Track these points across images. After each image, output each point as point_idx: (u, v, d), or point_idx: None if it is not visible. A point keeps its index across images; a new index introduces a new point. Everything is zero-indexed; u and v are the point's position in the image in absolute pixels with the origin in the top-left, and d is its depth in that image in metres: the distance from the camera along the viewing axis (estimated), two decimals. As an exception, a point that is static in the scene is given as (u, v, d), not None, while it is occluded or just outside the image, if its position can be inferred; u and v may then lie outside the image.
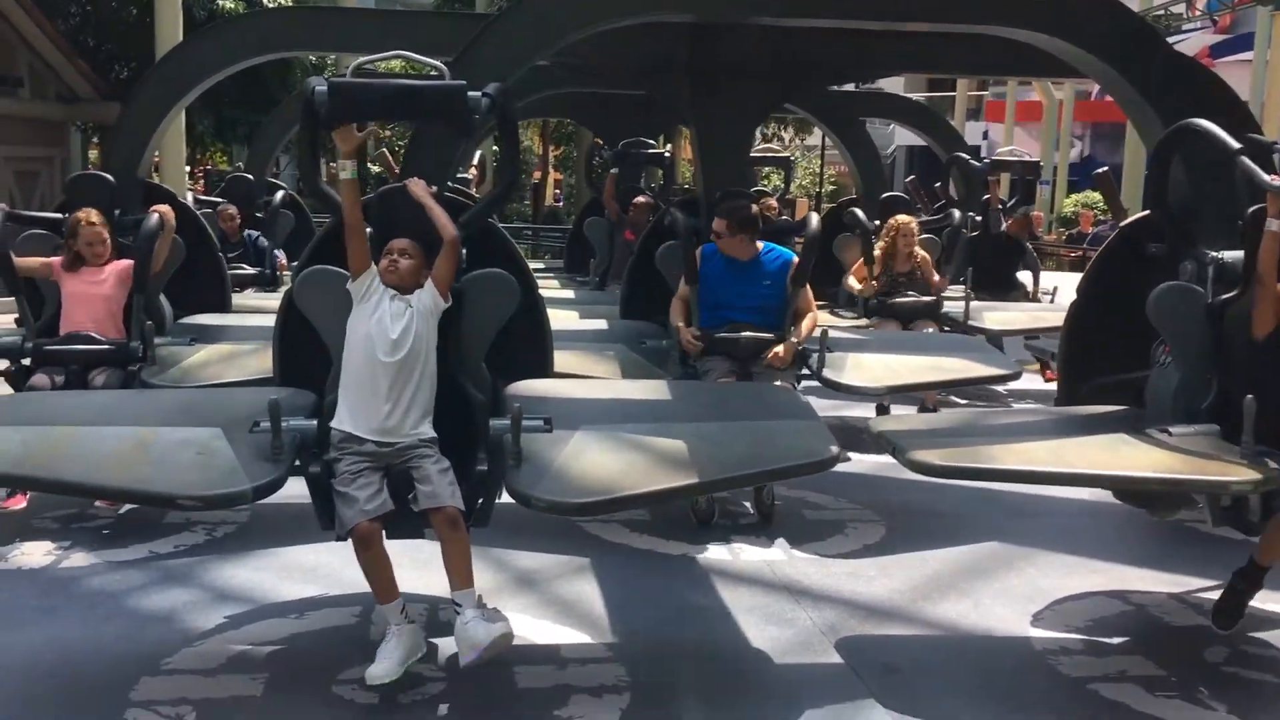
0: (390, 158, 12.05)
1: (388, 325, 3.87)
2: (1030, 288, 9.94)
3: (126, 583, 4.92)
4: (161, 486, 3.58)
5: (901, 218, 8.26)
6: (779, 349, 5.75)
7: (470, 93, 3.90)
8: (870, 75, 9.41)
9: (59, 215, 6.12)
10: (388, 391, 3.84)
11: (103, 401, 4.55)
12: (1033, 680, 4.18)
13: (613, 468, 3.83)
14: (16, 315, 6.10)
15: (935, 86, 40.75)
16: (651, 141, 11.85)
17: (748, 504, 6.12)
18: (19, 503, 5.65)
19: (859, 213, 8.36)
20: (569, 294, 9.64)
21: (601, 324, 6.81)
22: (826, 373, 5.77)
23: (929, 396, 7.68)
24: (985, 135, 37.78)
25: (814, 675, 4.17)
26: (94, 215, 5.80)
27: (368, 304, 3.92)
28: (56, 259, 5.83)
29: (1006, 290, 9.54)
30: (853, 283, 8.17)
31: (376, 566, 3.81)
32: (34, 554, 5.20)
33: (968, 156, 10.06)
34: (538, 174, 33.88)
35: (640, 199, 10.54)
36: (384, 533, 3.86)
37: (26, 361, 5.68)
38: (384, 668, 3.76)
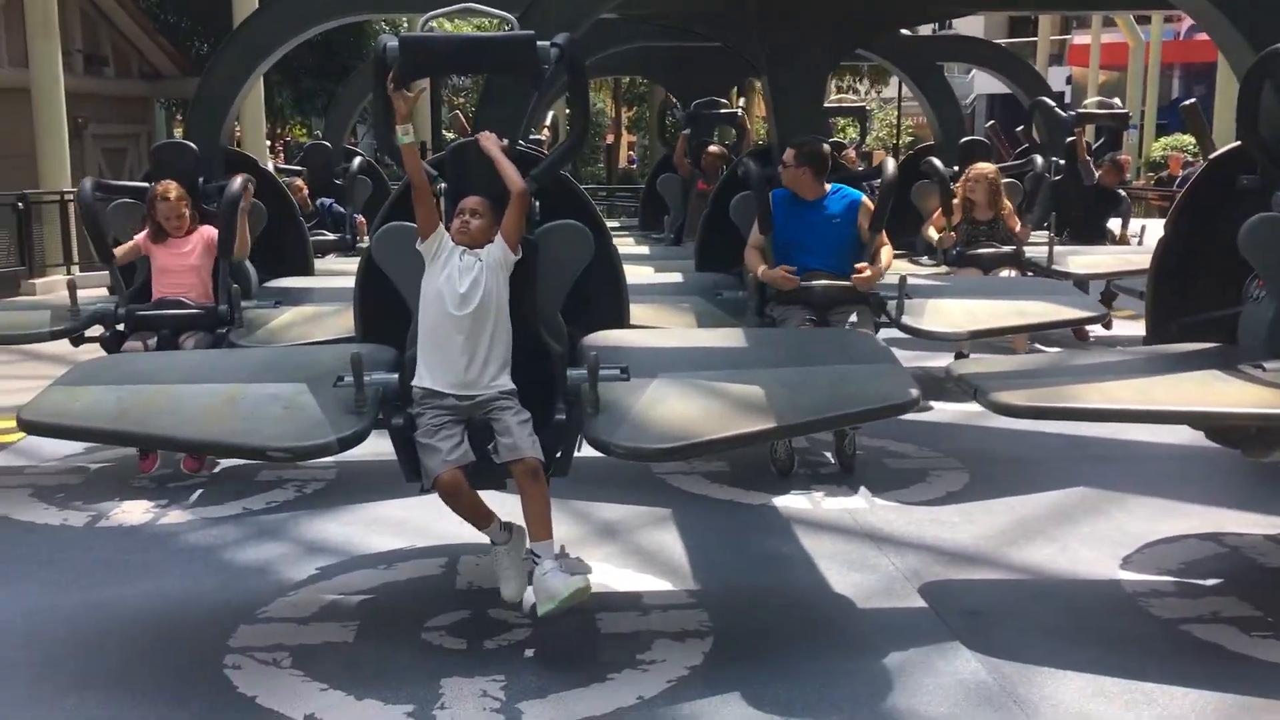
0: (464, 121, 12.12)
1: (456, 280, 3.91)
2: (1119, 233, 9.70)
3: (222, 537, 5.07)
4: (252, 439, 3.68)
5: (982, 166, 8.09)
6: (865, 269, 5.66)
7: (539, 43, 3.90)
8: (944, 15, 9.21)
9: (145, 184, 6.27)
10: (463, 345, 3.88)
11: (192, 361, 4.68)
12: (1123, 622, 4.11)
13: (691, 414, 3.83)
14: (109, 283, 6.28)
15: (1016, 31, 39.75)
16: (724, 101, 11.76)
17: (828, 454, 6.09)
18: (151, 466, 5.86)
19: (936, 161, 8.20)
20: (644, 250, 9.62)
21: (677, 277, 6.80)
22: (905, 319, 5.69)
23: (1019, 344, 7.54)
24: (1069, 80, 36.77)
25: (897, 620, 4.15)
26: (171, 190, 5.89)
27: (438, 262, 3.97)
28: (142, 236, 5.97)
29: (1100, 241, 9.32)
30: (931, 233, 8.04)
31: (466, 506, 3.90)
32: (133, 512, 5.38)
33: (1051, 102, 9.78)
34: (611, 136, 33.83)
35: (712, 148, 10.47)
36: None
37: (120, 327, 5.86)
38: (512, 587, 3.93)
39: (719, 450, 5.33)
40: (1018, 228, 7.93)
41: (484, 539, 4.04)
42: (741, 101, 13.45)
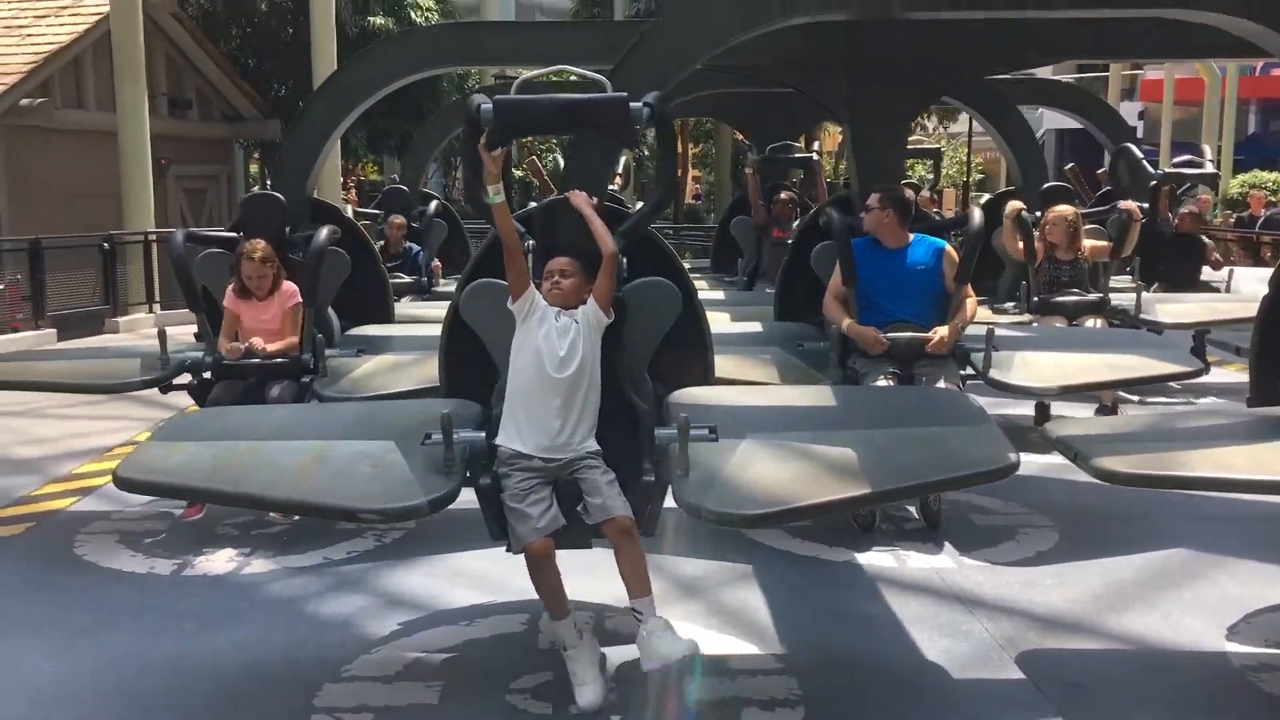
0: (539, 165, 12.22)
1: (555, 341, 3.90)
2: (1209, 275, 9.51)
3: (305, 588, 5.09)
4: (342, 500, 3.68)
5: (1061, 207, 7.97)
6: (940, 331, 5.57)
7: (631, 103, 3.90)
8: (1029, 64, 9.10)
9: (233, 234, 6.37)
10: (559, 409, 3.87)
11: (281, 416, 4.71)
12: (1231, 699, 3.95)
13: (782, 478, 3.77)
14: (196, 330, 6.37)
15: (1085, 66, 39.26)
16: (798, 145, 11.74)
17: (912, 509, 5.97)
18: (197, 513, 5.89)
19: (1018, 204, 8.08)
20: (718, 294, 9.58)
21: (756, 326, 6.74)
22: (993, 373, 5.57)
23: (1106, 395, 7.37)
24: (1141, 115, 36.23)
25: (995, 690, 4.03)
26: (258, 250, 5.90)
27: (531, 322, 3.96)
28: (230, 297, 6.04)
29: (1187, 288, 9.12)
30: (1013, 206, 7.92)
31: (550, 582, 3.86)
32: (218, 560, 5.42)
33: (1136, 150, 9.60)
34: (678, 172, 33.91)
35: (783, 195, 10.45)
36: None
37: (208, 375, 5.94)
38: (592, 693, 3.83)
39: (811, 517, 5.24)
40: (1090, 245, 7.80)
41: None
42: (816, 146, 13.36)
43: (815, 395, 4.78)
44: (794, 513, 3.76)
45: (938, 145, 12.40)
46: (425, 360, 5.80)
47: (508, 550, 3.96)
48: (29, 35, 17.28)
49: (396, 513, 3.74)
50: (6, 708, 3.90)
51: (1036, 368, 5.66)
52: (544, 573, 3.83)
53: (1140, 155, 9.54)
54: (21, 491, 6.65)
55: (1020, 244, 7.81)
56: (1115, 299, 7.81)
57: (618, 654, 4.20)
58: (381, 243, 9.93)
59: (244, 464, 3.87)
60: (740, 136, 23.59)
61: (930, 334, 5.60)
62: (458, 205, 12.44)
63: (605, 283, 3.96)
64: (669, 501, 3.91)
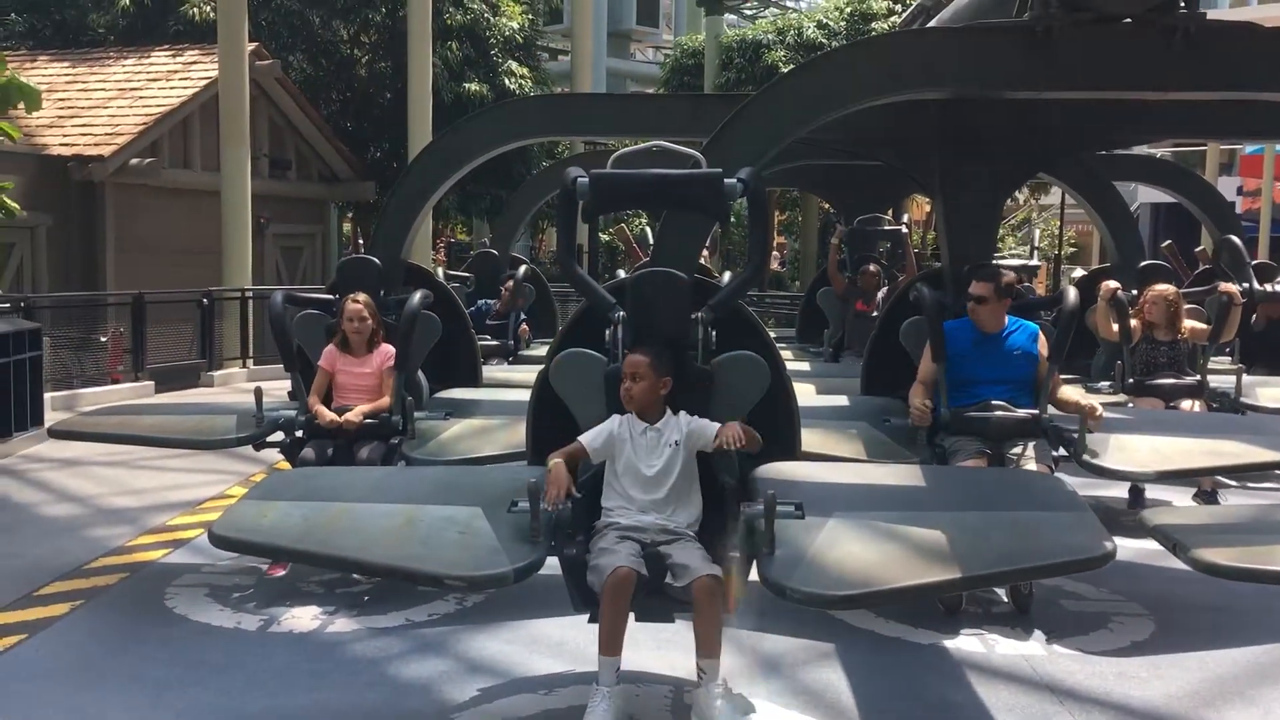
0: (627, 233, 12.35)
1: (642, 460, 4.01)
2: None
3: (386, 650, 5.12)
4: (430, 566, 3.72)
5: (1161, 286, 7.80)
6: (1097, 407, 5.45)
7: (725, 179, 3.94)
8: (1126, 144, 8.99)
9: (330, 296, 6.53)
10: (654, 512, 3.98)
11: (372, 479, 4.78)
12: (1341, 808, 3.77)
13: (870, 559, 3.72)
14: (290, 388, 6.52)
15: (1183, 141, 38.61)
16: (886, 217, 11.71)
17: (1001, 593, 5.82)
18: (282, 569, 5.96)
19: (1113, 283, 7.93)
20: (804, 366, 9.55)
21: (843, 400, 6.70)
22: (1086, 455, 5.45)
23: (1205, 480, 7.16)
24: (1240, 191, 35.45)
25: (1087, 788, 3.89)
26: (360, 298, 6.17)
27: (617, 450, 4.06)
28: (328, 354, 6.21)
29: None
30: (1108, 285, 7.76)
31: (614, 619, 3.86)
32: (303, 618, 5.49)
33: (1239, 242, 9.39)
34: (770, 246, 34.01)
35: (871, 267, 10.42)
36: (632, 613, 3.97)
37: (299, 434, 6.07)
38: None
39: (898, 600, 5.13)
40: (1190, 326, 7.61)
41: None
42: (905, 218, 13.29)
43: (904, 474, 4.71)
44: (881, 596, 3.71)
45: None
46: (512, 425, 5.86)
47: (590, 620, 3.95)
48: (141, 97, 18.06)
49: (483, 581, 3.78)
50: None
51: (1132, 451, 5.53)
52: (615, 605, 3.82)
53: (1241, 246, 9.31)
54: (117, 542, 6.82)
55: (1115, 325, 7.67)
56: (1214, 381, 7.61)
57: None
58: (495, 302, 10.19)
59: (334, 526, 3.94)
60: (828, 206, 23.64)
61: (1091, 407, 5.48)
62: (544, 268, 12.64)
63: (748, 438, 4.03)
64: (752, 577, 3.89)
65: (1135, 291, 7.93)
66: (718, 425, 4.03)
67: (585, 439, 4.04)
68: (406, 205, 6.90)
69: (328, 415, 5.98)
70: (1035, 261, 10.41)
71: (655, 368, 4.03)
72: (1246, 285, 8.76)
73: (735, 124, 4.78)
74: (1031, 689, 4.73)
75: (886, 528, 3.91)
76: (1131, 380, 7.54)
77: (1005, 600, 5.76)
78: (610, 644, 3.88)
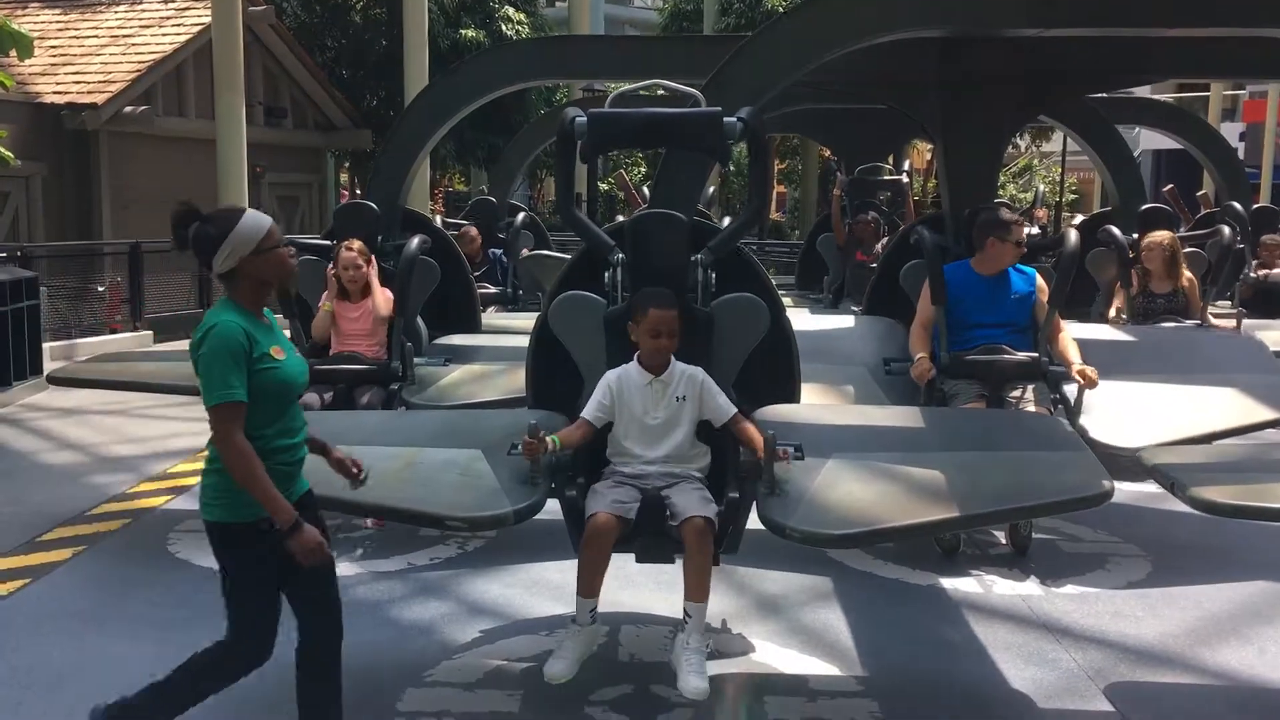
0: (626, 179, 12.28)
1: (646, 412, 3.98)
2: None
3: (388, 593, 5.16)
4: (431, 507, 3.73)
5: (1159, 233, 7.68)
6: (1089, 371, 5.34)
7: (725, 118, 3.90)
8: (1129, 84, 8.90)
9: (328, 242, 6.50)
10: (658, 463, 3.98)
11: (372, 423, 4.78)
12: (1333, 741, 3.82)
13: (868, 499, 3.73)
14: (289, 335, 6.50)
15: (1185, 86, 38.32)
16: (887, 166, 11.63)
17: (999, 534, 5.86)
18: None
19: (1115, 229, 7.87)
20: (803, 312, 9.51)
21: (847, 320, 6.68)
22: (1081, 422, 5.39)
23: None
24: (1242, 137, 35.22)
25: (1083, 723, 3.94)
26: (355, 244, 6.14)
27: (621, 404, 4.02)
28: (325, 301, 6.19)
29: None
30: (1110, 315, 7.62)
31: (595, 562, 3.85)
32: (305, 562, 5.51)
33: (1239, 207, 9.35)
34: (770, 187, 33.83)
35: (866, 216, 10.37)
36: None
37: (299, 379, 6.06)
38: (560, 667, 3.81)
39: (897, 539, 5.16)
40: (1199, 304, 7.48)
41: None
42: (906, 165, 13.19)
43: (903, 416, 4.72)
44: (880, 534, 3.72)
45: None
46: (511, 370, 5.85)
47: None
48: (133, 45, 17.86)
49: (483, 522, 3.79)
50: (106, 701, 4.00)
51: (1127, 420, 5.45)
52: (596, 549, 3.82)
53: (1243, 212, 9.30)
54: (118, 489, 6.85)
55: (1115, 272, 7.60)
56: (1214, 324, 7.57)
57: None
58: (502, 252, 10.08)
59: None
60: (828, 154, 23.50)
61: (1083, 371, 5.36)
62: (544, 217, 12.58)
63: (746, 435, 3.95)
64: (752, 520, 3.90)
65: (1135, 236, 7.88)
66: (731, 408, 3.98)
67: (588, 415, 4.00)
68: (403, 150, 6.85)
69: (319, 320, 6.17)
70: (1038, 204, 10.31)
71: (681, 319, 4.01)
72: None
73: (735, 63, 4.73)
74: (1029, 628, 4.77)
75: (885, 468, 3.93)
76: (1133, 325, 7.48)
77: (1003, 542, 5.81)
78: (587, 586, 3.89)
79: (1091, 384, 5.32)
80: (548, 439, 3.83)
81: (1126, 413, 5.44)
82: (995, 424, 4.75)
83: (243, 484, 3.09)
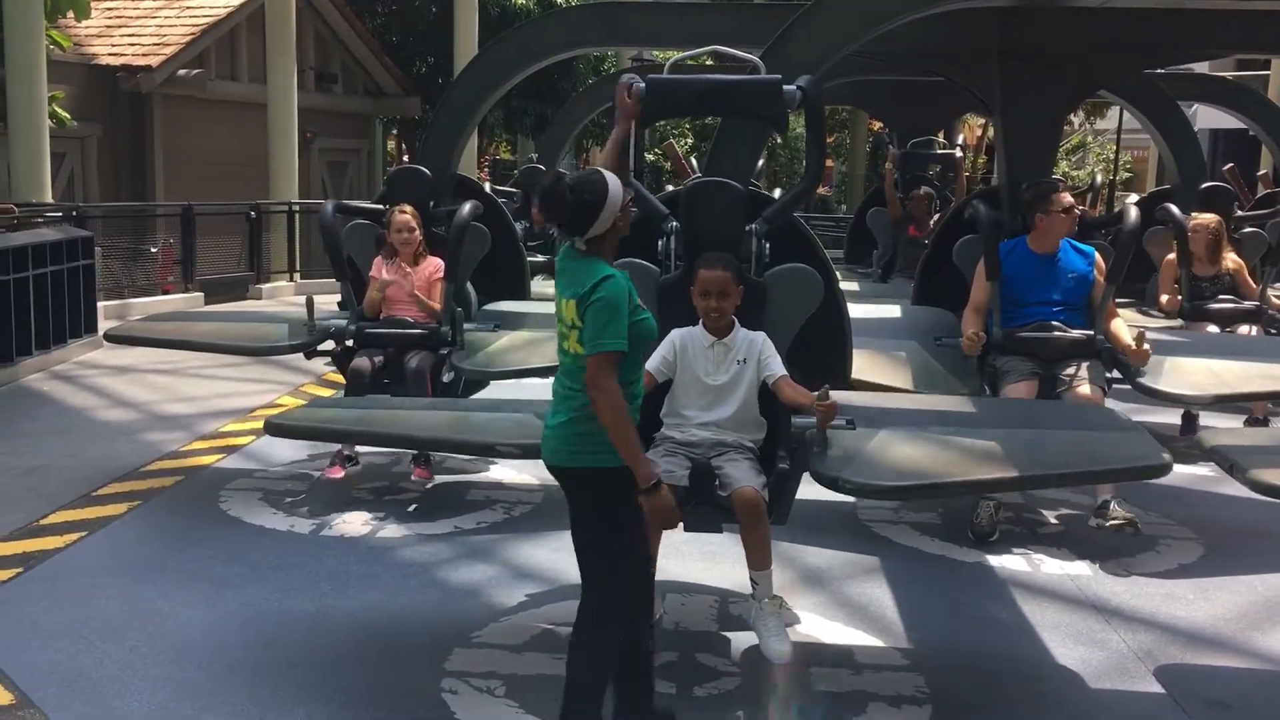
0: (676, 148, 12.22)
1: (708, 374, 3.95)
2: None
3: (436, 555, 5.20)
4: (483, 437, 3.76)
5: (1204, 216, 7.48)
6: (1139, 345, 5.24)
7: (784, 86, 3.86)
8: (1191, 58, 8.70)
9: (380, 206, 6.53)
10: (713, 427, 3.96)
11: (421, 403, 4.85)
12: (1389, 730, 3.76)
13: (923, 458, 3.71)
14: (340, 298, 6.55)
15: (1244, 64, 37.48)
16: (940, 140, 11.48)
17: (1048, 513, 5.81)
18: (338, 472, 6.01)
19: (1173, 208, 7.72)
20: (853, 286, 9.43)
21: (895, 310, 6.62)
22: (1142, 379, 5.36)
23: (1257, 407, 7.03)
24: (1305, 117, 34.41)
25: (1132, 704, 3.90)
26: (407, 209, 6.16)
27: (681, 362, 4.00)
28: (377, 266, 6.22)
29: None
30: (1163, 299, 7.48)
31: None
32: (354, 523, 5.58)
33: None
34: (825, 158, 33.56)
35: (919, 191, 10.26)
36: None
37: (350, 343, 6.12)
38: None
39: (954, 495, 5.11)
40: (1251, 286, 7.31)
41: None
42: (961, 139, 13.00)
43: (955, 401, 4.68)
44: (935, 489, 3.71)
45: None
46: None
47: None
48: (188, 7, 17.97)
49: (536, 450, 3.79)
50: (162, 653, 4.08)
51: (1188, 374, 5.42)
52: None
53: None
54: (171, 446, 6.95)
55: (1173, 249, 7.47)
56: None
57: (741, 640, 4.21)
58: (525, 224, 10.06)
59: (387, 420, 4.00)
60: (879, 128, 23.23)
61: (1132, 345, 5.26)
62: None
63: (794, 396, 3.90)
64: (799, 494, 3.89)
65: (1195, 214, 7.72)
66: (781, 368, 3.95)
67: (650, 366, 4.00)
68: (455, 116, 6.84)
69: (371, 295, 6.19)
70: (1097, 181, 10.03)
71: (737, 281, 3.99)
72: None
73: (795, 30, 4.67)
74: (1077, 607, 4.73)
75: (939, 437, 3.90)
76: (1188, 305, 7.37)
77: (1053, 521, 5.75)
78: None
79: (1143, 359, 5.25)
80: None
81: (1186, 370, 5.38)
82: (1052, 411, 4.70)
83: (612, 431, 3.09)
